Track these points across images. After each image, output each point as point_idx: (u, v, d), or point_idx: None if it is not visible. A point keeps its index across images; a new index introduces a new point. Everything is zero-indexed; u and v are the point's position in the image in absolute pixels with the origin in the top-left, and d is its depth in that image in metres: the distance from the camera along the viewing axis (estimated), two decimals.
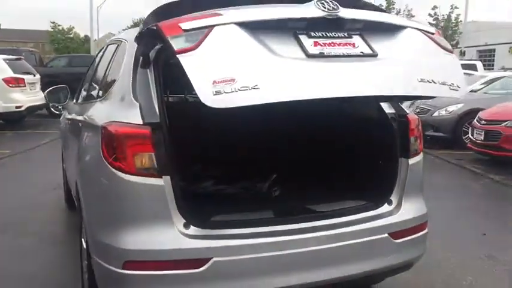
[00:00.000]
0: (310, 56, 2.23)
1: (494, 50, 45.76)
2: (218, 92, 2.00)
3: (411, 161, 2.81)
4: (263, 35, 2.22)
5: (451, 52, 2.61)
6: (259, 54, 2.18)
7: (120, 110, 2.53)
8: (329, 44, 2.31)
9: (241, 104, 2.03)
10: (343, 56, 2.30)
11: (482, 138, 8.10)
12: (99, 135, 2.53)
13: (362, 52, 2.34)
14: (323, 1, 2.32)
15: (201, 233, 2.37)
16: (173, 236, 2.34)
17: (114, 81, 2.90)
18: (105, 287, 2.53)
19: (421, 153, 2.91)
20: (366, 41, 2.38)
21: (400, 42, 2.47)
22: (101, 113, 2.77)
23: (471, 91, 11.84)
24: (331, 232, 2.51)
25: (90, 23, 28.81)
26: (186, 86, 2.95)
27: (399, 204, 2.76)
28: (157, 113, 2.41)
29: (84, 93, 4.20)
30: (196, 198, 2.57)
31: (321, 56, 2.26)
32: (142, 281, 2.34)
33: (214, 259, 2.33)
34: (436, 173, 6.93)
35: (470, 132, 8.59)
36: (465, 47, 35.29)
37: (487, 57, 43.52)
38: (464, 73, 10.67)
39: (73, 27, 54.53)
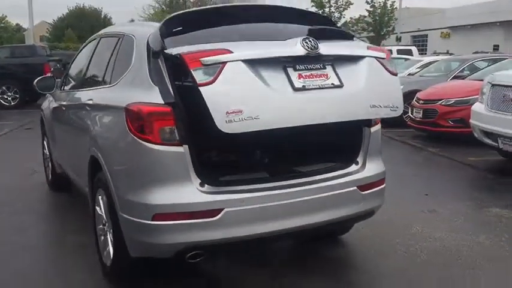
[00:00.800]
0: (296, 89, 2.93)
1: (426, 35, 48.13)
2: (230, 121, 2.70)
3: (372, 129, 3.50)
4: (261, 68, 2.89)
5: (395, 74, 3.36)
6: (259, 89, 2.84)
7: (141, 92, 3.04)
8: (309, 76, 3.00)
9: (247, 130, 2.75)
10: (319, 88, 2.99)
11: (420, 116, 9.06)
12: (122, 114, 3.05)
13: (333, 84, 3.05)
14: (307, 40, 2.99)
15: (214, 190, 2.95)
16: (192, 192, 2.91)
17: (125, 69, 3.39)
18: (135, 238, 3.04)
19: (379, 124, 3.61)
20: (335, 72, 3.09)
21: (360, 70, 3.19)
22: (119, 96, 3.25)
23: (409, 74, 12.90)
24: (312, 186, 3.16)
25: (29, 12, 27.99)
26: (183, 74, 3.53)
27: (364, 164, 3.45)
28: (173, 94, 2.97)
29: (77, 81, 4.61)
30: (206, 163, 3.15)
31: (304, 89, 2.95)
32: (168, 229, 2.90)
33: (226, 209, 2.92)
34: (382, 149, 7.74)
35: (410, 112, 9.51)
36: (401, 33, 36.97)
37: (420, 42, 45.71)
38: (402, 57, 11.82)
39: (5, 16, 52.61)
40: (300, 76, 2.97)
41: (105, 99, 3.51)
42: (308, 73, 3.00)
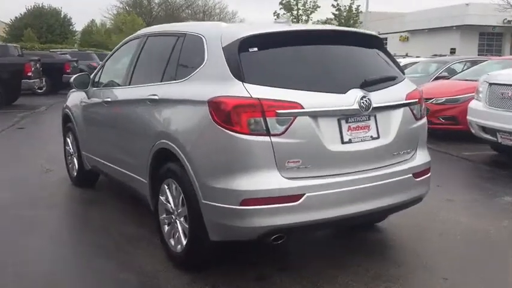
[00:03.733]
0: (343, 142, 3.34)
1: (386, 39, 49.54)
2: (288, 168, 3.16)
3: (421, 121, 3.83)
4: (321, 119, 3.26)
5: (421, 118, 3.79)
6: (315, 142, 3.22)
7: (224, 87, 3.25)
8: (355, 128, 3.41)
9: (298, 176, 3.18)
10: (361, 140, 3.41)
11: None
12: (204, 107, 3.26)
13: (371, 136, 3.47)
14: (364, 100, 3.35)
15: (296, 176, 3.21)
16: (277, 178, 3.14)
17: (195, 66, 3.58)
18: (220, 223, 3.24)
19: (426, 117, 3.94)
20: (376, 123, 3.49)
21: (394, 119, 3.59)
22: (196, 90, 3.45)
23: None
24: (379, 173, 3.46)
25: None
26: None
27: (416, 153, 3.78)
28: (255, 89, 3.20)
29: (123, 78, 4.72)
30: None
31: (349, 142, 3.37)
32: (255, 213, 3.13)
33: (307, 194, 3.18)
34: None
35: None
36: None
37: None
38: None
39: None
40: (349, 128, 3.38)
41: (176, 93, 3.68)
42: (355, 125, 3.41)
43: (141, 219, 4.65)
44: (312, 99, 3.25)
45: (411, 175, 3.66)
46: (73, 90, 5.90)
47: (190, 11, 60.65)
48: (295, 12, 35.06)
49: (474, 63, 11.88)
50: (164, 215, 3.84)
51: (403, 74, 3.98)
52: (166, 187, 3.75)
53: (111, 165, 4.82)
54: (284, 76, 3.37)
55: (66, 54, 21.91)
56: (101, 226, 4.64)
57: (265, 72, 3.36)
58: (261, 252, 3.93)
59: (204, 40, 3.64)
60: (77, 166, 5.81)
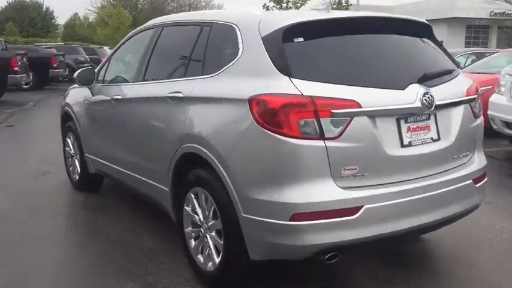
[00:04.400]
0: (403, 146, 2.93)
1: None
2: (343, 176, 2.73)
3: (479, 120, 3.43)
4: (379, 120, 2.84)
5: (478, 116, 3.39)
6: (373, 146, 2.80)
7: (268, 83, 2.80)
8: (415, 129, 2.99)
9: (354, 185, 2.76)
10: (421, 143, 3.00)
11: None
12: (245, 107, 2.81)
13: (432, 138, 3.06)
14: (426, 96, 2.93)
15: (353, 185, 2.78)
16: (331, 189, 2.71)
17: (228, 59, 3.14)
18: (265, 240, 2.81)
19: (481, 116, 3.54)
20: (436, 123, 3.09)
21: (455, 118, 3.19)
22: (232, 87, 3.00)
23: None
24: (441, 179, 3.05)
25: None
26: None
27: (474, 156, 3.38)
28: (305, 85, 2.76)
29: (135, 74, 4.23)
30: None
31: (409, 145, 2.95)
32: (308, 230, 2.69)
33: (366, 206, 2.75)
34: None
35: None
36: None
37: None
38: None
39: None
40: (408, 129, 2.96)
41: (206, 90, 3.22)
42: (415, 125, 3.00)
43: (155, 229, 4.22)
44: (369, 97, 2.81)
45: (471, 181, 3.25)
46: (73, 86, 5.41)
47: (175, 4, 59.67)
48: (284, 5, 34.53)
49: (480, 55, 11.57)
50: (190, 228, 3.39)
51: (458, 66, 3.57)
52: (193, 196, 3.31)
53: (122, 170, 4.34)
54: (336, 70, 2.93)
55: (52, 48, 21.16)
56: (111, 238, 4.16)
57: (314, 65, 2.92)
58: (302, 269, 3.49)
59: (237, 29, 3.18)
60: (79, 169, 5.31)
